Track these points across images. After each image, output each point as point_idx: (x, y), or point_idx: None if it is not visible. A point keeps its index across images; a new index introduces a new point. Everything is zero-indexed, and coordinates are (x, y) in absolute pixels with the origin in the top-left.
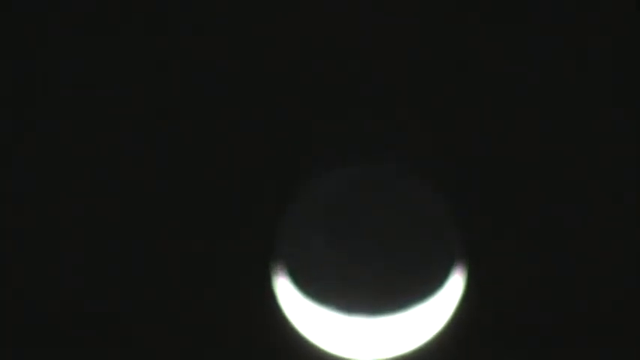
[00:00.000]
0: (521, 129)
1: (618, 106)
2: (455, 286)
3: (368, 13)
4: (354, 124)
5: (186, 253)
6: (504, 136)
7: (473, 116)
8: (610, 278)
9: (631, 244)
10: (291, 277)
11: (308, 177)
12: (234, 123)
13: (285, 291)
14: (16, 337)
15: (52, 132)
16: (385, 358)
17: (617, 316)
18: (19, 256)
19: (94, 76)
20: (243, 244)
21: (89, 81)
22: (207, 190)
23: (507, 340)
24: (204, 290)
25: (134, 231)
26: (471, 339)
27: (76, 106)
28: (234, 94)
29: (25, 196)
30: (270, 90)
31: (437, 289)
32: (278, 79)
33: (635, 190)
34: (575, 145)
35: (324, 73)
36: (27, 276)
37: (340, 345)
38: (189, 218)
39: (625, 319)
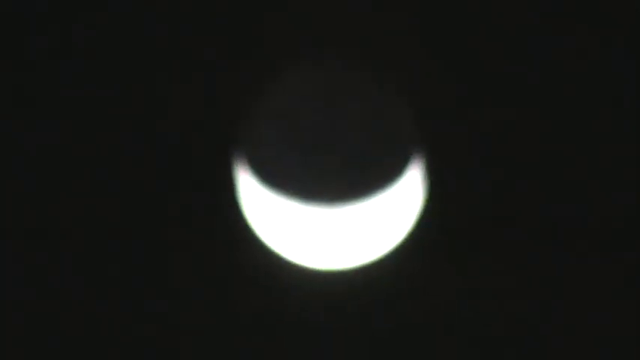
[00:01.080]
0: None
1: (618, 107)
2: (417, 191)
3: None
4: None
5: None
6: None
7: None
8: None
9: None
10: (253, 170)
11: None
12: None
13: (247, 185)
14: (17, 336)
15: (52, 132)
16: (346, 267)
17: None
18: (18, 256)
19: (94, 75)
20: (211, 139)
21: (89, 81)
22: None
23: (470, 251)
24: (170, 188)
25: None
26: (433, 249)
27: (76, 106)
28: None
29: (26, 196)
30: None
31: (396, 181)
32: None
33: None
34: (576, 144)
35: None
36: (27, 275)
37: (304, 254)
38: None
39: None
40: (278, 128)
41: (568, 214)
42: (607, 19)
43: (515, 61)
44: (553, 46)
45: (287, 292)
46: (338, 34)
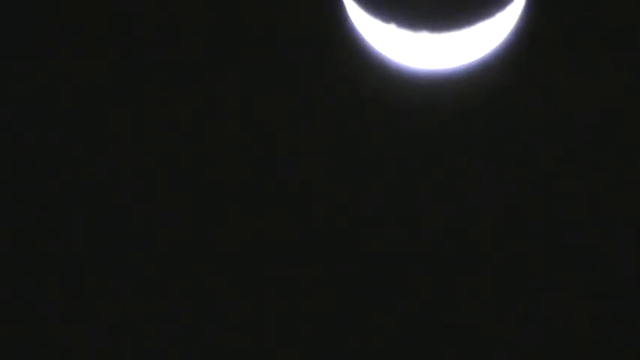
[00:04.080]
0: None
1: None
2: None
3: None
4: None
5: None
6: None
7: None
8: None
9: None
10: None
11: None
12: None
13: (352, 10)
14: None
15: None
16: (447, 68)
17: None
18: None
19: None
20: None
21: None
22: None
23: (568, 54)
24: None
25: None
26: (531, 53)
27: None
28: None
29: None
30: None
31: (499, 8)
32: None
33: None
34: None
35: None
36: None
37: (406, 57)
38: None
39: None
40: None
41: None
42: None
43: None
44: None
45: (389, 90)
46: None
